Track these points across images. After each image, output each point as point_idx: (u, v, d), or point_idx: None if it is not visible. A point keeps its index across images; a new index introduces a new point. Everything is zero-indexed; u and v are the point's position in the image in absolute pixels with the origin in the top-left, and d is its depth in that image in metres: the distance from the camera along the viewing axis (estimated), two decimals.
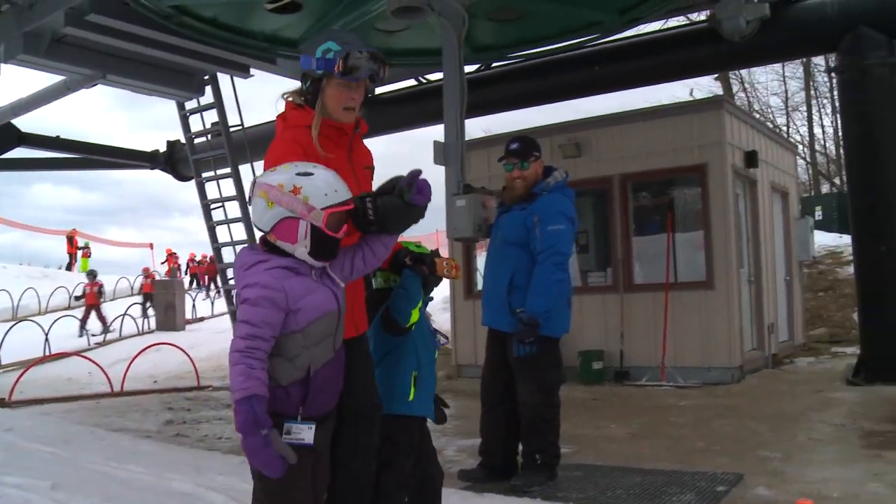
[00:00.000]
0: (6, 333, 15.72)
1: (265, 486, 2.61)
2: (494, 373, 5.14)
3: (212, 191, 12.21)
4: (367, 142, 3.24)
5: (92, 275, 21.61)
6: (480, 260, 9.04)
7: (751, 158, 10.19)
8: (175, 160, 15.60)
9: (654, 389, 9.18)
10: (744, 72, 31.07)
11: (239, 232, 11.84)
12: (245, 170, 11.70)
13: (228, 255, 12.48)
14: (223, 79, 11.31)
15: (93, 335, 19.21)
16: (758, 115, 32.05)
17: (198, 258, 36.09)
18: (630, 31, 10.06)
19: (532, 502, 4.58)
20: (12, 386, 10.15)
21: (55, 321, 18.09)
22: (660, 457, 5.76)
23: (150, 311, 21.16)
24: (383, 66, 2.99)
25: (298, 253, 2.59)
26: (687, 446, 6.09)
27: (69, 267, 34.24)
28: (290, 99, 3.08)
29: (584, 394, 8.94)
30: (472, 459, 5.50)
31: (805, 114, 33.04)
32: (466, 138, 6.43)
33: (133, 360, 12.29)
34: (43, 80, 10.74)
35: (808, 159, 33.06)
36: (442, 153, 6.09)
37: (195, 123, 12.30)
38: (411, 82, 12.11)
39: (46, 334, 16.40)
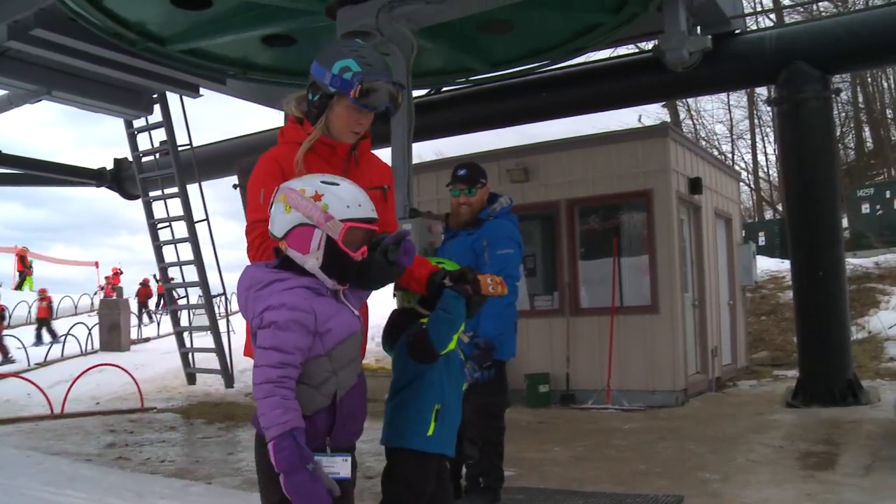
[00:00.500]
0: None
1: None
2: None
3: (159, 210, 12.10)
4: None
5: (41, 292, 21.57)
6: None
7: (695, 185, 10.41)
8: (122, 178, 15.40)
9: (599, 412, 9.28)
10: (690, 100, 31.69)
11: (186, 252, 11.73)
12: (193, 190, 11.63)
13: (175, 274, 12.38)
14: (172, 97, 11.24)
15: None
16: (704, 143, 32.70)
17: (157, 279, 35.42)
18: (580, 59, 10.27)
19: None
20: None
21: None
22: (602, 479, 5.83)
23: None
24: (400, 95, 2.80)
25: (309, 265, 2.40)
26: (629, 469, 6.17)
27: (20, 286, 33.40)
28: (292, 111, 2.89)
29: (529, 417, 8.99)
30: None
31: (749, 141, 33.81)
32: (417, 161, 6.49)
33: (75, 381, 12.03)
34: None
35: (753, 186, 33.80)
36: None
37: (143, 142, 12.21)
38: None
39: None
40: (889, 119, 34.11)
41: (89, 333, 20.09)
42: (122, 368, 13.14)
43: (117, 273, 33.33)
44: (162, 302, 32.80)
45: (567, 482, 5.75)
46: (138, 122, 11.95)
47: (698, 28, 9.06)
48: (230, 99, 10.79)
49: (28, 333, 20.76)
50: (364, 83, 2.66)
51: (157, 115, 11.49)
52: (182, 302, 13.46)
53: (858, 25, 9.04)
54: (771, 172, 32.83)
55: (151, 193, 12.21)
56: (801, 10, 29.04)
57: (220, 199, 61.19)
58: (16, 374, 14.05)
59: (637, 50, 13.89)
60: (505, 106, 10.78)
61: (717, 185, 11.80)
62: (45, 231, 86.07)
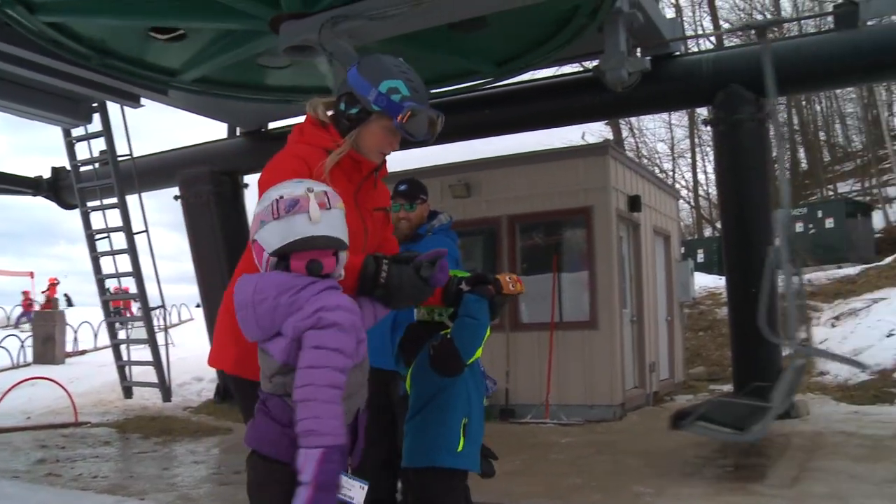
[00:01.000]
0: None
1: None
2: (377, 412, 5.16)
3: (98, 221, 11.91)
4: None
5: None
6: None
7: (634, 203, 10.60)
8: (59, 187, 15.06)
9: (538, 427, 9.36)
10: (633, 118, 32.30)
11: (124, 264, 11.56)
12: (133, 200, 11.47)
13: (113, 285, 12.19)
14: (113, 107, 11.07)
15: None
16: (646, 161, 33.36)
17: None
18: (523, 77, 10.39)
19: None
20: None
21: None
22: (538, 494, 5.90)
23: None
24: (435, 126, 2.71)
25: (342, 273, 2.35)
26: (565, 483, 6.24)
27: None
28: (317, 113, 2.76)
29: None
30: None
31: (690, 160, 34.59)
32: None
33: (5, 394, 11.71)
34: None
35: (693, 204, 34.52)
36: None
37: (82, 151, 12.00)
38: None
39: None
40: (822, 141, 35.16)
41: (22, 345, 19.61)
42: (56, 381, 12.82)
43: (54, 284, 32.56)
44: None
45: (503, 496, 5.78)
46: (77, 131, 11.75)
47: (638, 49, 9.27)
48: (173, 110, 10.68)
49: None
50: (415, 111, 2.59)
51: (96, 124, 11.32)
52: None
53: (791, 52, 9.31)
54: (711, 191, 33.59)
55: (90, 204, 12.02)
56: (741, 34, 29.85)
57: (162, 210, 60.23)
58: None
59: (582, 68, 14.12)
60: (448, 122, 10.81)
61: (656, 202, 12.03)
62: None
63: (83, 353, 21.50)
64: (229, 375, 2.73)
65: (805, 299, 6.83)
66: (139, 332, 12.67)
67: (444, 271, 2.53)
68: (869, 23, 8.90)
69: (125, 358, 12.29)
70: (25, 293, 33.52)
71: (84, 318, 22.00)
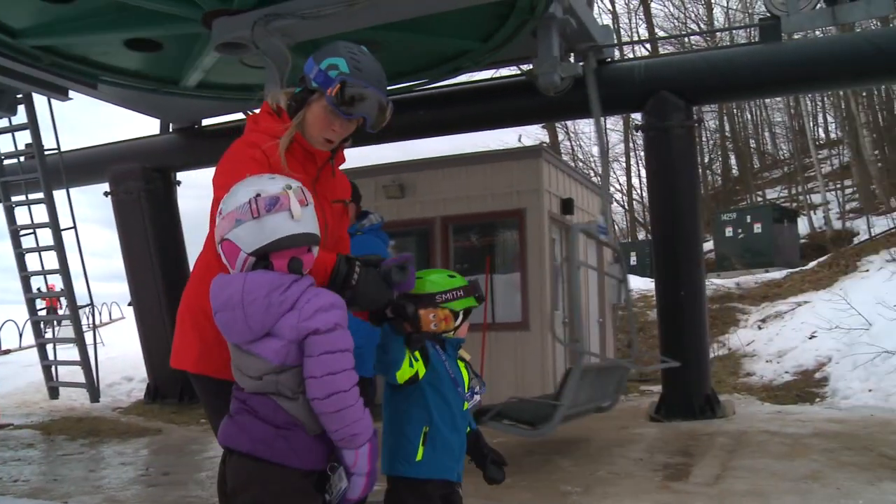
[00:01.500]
0: None
1: None
2: None
3: (23, 216, 11.56)
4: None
5: None
6: None
7: (567, 205, 10.74)
8: None
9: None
10: (569, 122, 32.71)
11: (51, 261, 11.25)
12: (60, 196, 11.17)
13: (39, 283, 11.86)
14: (40, 99, 10.78)
15: None
16: (581, 164, 33.81)
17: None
18: (459, 79, 10.45)
19: None
20: None
21: None
22: (466, 493, 5.89)
23: None
24: (385, 112, 2.61)
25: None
26: None
27: None
28: (278, 101, 2.68)
29: None
30: None
31: (624, 164, 35.16)
32: None
33: None
34: None
35: (626, 207, 35.10)
36: None
37: (5, 143, 11.63)
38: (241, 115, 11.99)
39: None
40: (752, 149, 36.11)
41: None
42: None
43: None
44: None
45: None
46: (0, 122, 11.39)
47: (571, 55, 9.40)
48: (104, 103, 10.46)
49: None
50: (346, 85, 2.49)
51: (21, 116, 10.98)
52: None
53: (720, 61, 9.57)
54: (644, 195, 34.20)
55: (14, 198, 11.66)
56: (675, 42, 30.50)
57: (94, 206, 58.86)
58: None
59: (519, 71, 14.24)
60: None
61: (589, 206, 12.21)
62: None
63: (7, 352, 20.88)
64: (193, 375, 2.66)
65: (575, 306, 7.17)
66: (67, 330, 12.35)
67: (411, 280, 2.53)
68: (795, 36, 9.21)
69: (51, 357, 11.96)
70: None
71: (8, 317, 21.35)
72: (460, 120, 10.64)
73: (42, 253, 11.42)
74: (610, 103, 10.40)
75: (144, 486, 6.84)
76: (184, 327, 2.67)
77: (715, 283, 18.48)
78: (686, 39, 29.80)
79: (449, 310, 2.73)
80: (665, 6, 34.96)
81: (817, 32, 18.47)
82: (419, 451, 2.69)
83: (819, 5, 8.35)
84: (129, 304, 13.63)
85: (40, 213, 11.26)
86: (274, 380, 2.22)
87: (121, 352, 15.20)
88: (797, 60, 9.21)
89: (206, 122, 12.04)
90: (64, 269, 11.10)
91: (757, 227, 22.21)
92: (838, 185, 27.20)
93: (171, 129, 12.33)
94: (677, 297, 9.60)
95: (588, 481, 6.27)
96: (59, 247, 10.95)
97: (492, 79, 11.78)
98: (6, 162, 11.82)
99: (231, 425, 2.32)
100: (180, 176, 13.00)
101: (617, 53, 11.81)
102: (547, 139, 31.21)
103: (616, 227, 33.00)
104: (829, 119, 35.18)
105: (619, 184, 35.47)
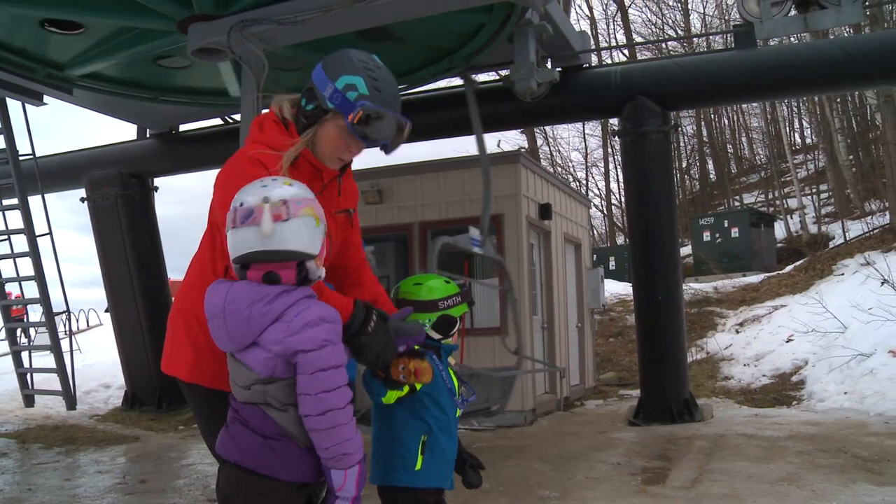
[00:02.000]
0: None
1: None
2: None
3: None
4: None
5: None
6: None
7: (545, 211, 10.77)
8: None
9: None
10: (547, 127, 32.85)
11: (26, 267, 11.13)
12: (35, 201, 11.05)
13: (14, 290, 11.73)
14: (14, 104, 10.67)
15: None
16: (560, 169, 33.96)
17: None
18: (436, 84, 10.47)
19: None
20: None
21: None
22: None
23: None
24: (403, 132, 2.52)
25: (322, 273, 2.25)
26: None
27: None
28: (281, 109, 2.55)
29: None
30: None
31: (603, 169, 35.36)
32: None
33: None
34: None
35: (605, 212, 35.28)
36: None
37: None
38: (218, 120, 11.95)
39: None
40: (729, 154, 36.40)
41: None
42: None
43: None
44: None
45: None
46: None
47: (548, 60, 9.44)
48: (81, 109, 10.38)
49: None
50: (367, 110, 2.38)
51: None
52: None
53: (695, 67, 9.63)
54: (623, 199, 34.39)
55: None
56: (653, 48, 30.72)
57: (70, 211, 58.32)
58: None
59: (498, 77, 14.27)
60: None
61: (567, 211, 12.26)
62: None
63: None
64: (185, 383, 2.58)
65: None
66: (43, 338, 12.22)
67: (422, 332, 2.50)
68: (771, 42, 9.30)
69: (26, 365, 11.83)
70: None
71: None
72: (438, 125, 10.64)
73: (17, 259, 11.30)
74: (587, 109, 10.53)
75: (121, 494, 6.78)
76: (177, 333, 2.59)
77: (693, 287, 18.64)
78: (663, 45, 30.01)
79: (425, 359, 2.58)
80: (643, 13, 35.26)
81: (792, 39, 18.75)
82: (419, 459, 2.68)
83: (791, 12, 8.45)
84: (107, 311, 13.52)
85: (15, 218, 11.15)
86: (262, 390, 2.19)
87: (98, 359, 15.08)
88: (771, 66, 9.31)
89: (183, 127, 11.98)
90: (39, 276, 10.97)
91: (734, 232, 22.38)
92: (814, 190, 27.49)
93: (148, 135, 12.27)
94: (655, 302, 9.66)
95: (566, 486, 6.29)
96: (34, 253, 10.83)
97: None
98: None
99: (224, 434, 2.30)
100: (158, 181, 12.93)
101: (595, 59, 11.85)
102: (526, 144, 31.30)
103: (594, 231, 33.15)
104: (805, 124, 35.62)
105: (598, 188, 35.76)
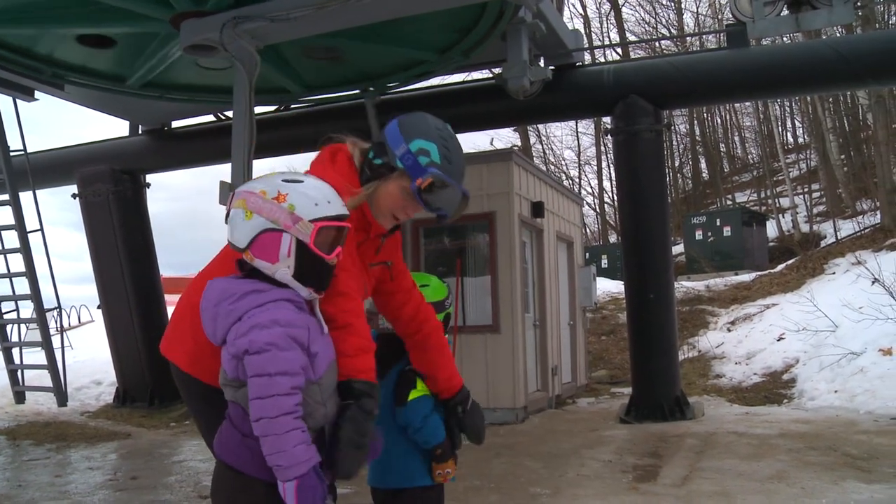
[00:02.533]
0: None
1: None
2: None
3: None
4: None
5: None
6: None
7: (537, 209, 10.77)
8: None
9: None
10: (540, 126, 32.86)
11: (17, 263, 11.08)
12: (27, 198, 11.01)
13: (4, 286, 11.66)
14: (4, 99, 10.63)
15: None
16: (553, 167, 33.97)
17: None
18: (431, 82, 10.46)
19: None
20: None
21: None
22: None
23: None
24: (464, 207, 2.52)
25: (280, 275, 2.14)
26: (463, 485, 6.28)
27: None
28: (354, 151, 2.53)
29: None
30: None
31: (596, 168, 35.40)
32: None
33: None
34: None
35: (598, 210, 35.33)
36: (227, 194, 6.07)
37: None
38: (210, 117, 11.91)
39: None
40: (722, 153, 36.47)
41: None
42: None
43: None
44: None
45: None
46: None
47: (541, 59, 9.45)
48: (71, 104, 10.35)
49: None
50: (436, 178, 2.37)
51: None
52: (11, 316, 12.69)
53: (688, 66, 9.65)
54: (615, 198, 34.42)
55: None
56: (646, 46, 30.77)
57: (64, 208, 58.18)
58: None
59: (491, 75, 14.28)
60: (354, 126, 10.76)
61: (559, 209, 12.27)
62: None
63: None
64: (182, 373, 2.52)
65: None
66: (34, 334, 12.16)
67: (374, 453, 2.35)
68: (764, 42, 9.32)
69: (17, 361, 11.80)
70: None
71: None
72: None
73: (7, 255, 11.27)
74: (580, 107, 10.54)
75: (112, 490, 6.77)
76: (182, 322, 2.54)
77: (685, 285, 18.68)
78: (657, 44, 30.06)
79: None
80: (636, 11, 35.30)
81: (784, 39, 18.79)
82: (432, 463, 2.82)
83: (783, 12, 8.48)
84: (99, 307, 13.49)
85: (6, 215, 11.11)
86: (233, 395, 2.16)
87: (90, 355, 15.03)
88: (763, 66, 9.33)
89: (175, 123, 11.95)
90: (30, 272, 10.94)
91: (726, 231, 22.44)
92: (806, 189, 27.58)
93: (140, 131, 12.24)
94: (647, 300, 9.67)
95: (557, 483, 6.30)
96: (25, 249, 10.79)
97: (463, 82, 11.79)
98: None
99: (218, 430, 2.27)
100: (150, 178, 12.91)
101: (588, 58, 11.87)
102: (519, 142, 31.31)
103: (587, 229, 33.18)
104: (798, 124, 35.74)
105: (591, 187, 35.79)
